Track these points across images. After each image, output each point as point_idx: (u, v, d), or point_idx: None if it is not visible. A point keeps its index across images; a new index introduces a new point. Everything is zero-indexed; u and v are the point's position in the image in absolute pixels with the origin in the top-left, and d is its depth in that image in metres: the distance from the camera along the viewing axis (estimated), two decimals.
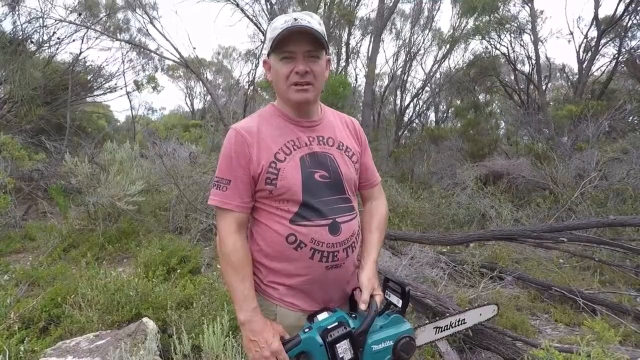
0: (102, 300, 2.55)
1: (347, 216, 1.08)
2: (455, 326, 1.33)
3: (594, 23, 9.35)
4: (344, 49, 11.09)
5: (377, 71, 11.43)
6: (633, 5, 8.48)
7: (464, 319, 1.35)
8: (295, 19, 1.00)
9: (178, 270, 3.39)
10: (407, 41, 11.64)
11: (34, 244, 4.57)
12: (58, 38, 8.50)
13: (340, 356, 0.96)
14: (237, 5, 8.12)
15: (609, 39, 9.51)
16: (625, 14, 8.67)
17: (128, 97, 11.30)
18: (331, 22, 9.10)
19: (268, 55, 1.08)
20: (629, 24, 9.01)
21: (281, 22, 1.01)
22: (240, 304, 1.02)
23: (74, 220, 4.93)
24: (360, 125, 1.28)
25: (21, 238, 4.76)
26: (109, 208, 4.79)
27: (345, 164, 1.11)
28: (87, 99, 10.74)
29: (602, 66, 10.39)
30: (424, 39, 11.41)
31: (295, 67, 1.02)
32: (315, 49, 1.03)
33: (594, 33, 9.49)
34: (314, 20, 1.02)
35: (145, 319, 2.28)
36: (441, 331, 1.30)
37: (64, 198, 5.33)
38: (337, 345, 0.97)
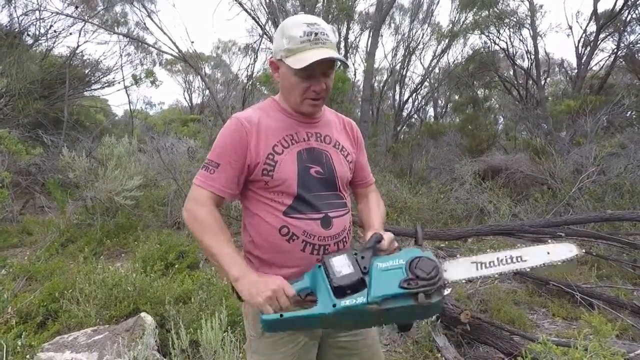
0: (100, 295, 2.55)
1: (339, 211, 1.10)
2: (505, 263, 1.02)
3: (593, 17, 9.31)
4: (342, 44, 11.01)
5: (376, 66, 11.37)
6: (632, 0, 8.44)
7: (520, 256, 1.02)
8: (316, 35, 0.97)
9: (176, 266, 3.39)
10: (406, 36, 11.56)
11: (32, 239, 4.56)
12: (55, 31, 8.43)
13: (338, 270, 0.88)
14: None
15: (607, 34, 9.49)
16: (625, 8, 8.63)
17: (126, 91, 11.22)
18: (330, 17, 9.01)
19: (279, 58, 1.03)
20: (627, 19, 8.98)
21: (299, 33, 0.97)
22: (230, 262, 0.96)
23: (71, 215, 4.92)
24: (357, 125, 1.28)
25: (18, 232, 4.75)
26: (107, 203, 4.77)
27: (340, 162, 1.13)
28: (85, 93, 10.67)
29: (600, 61, 10.39)
30: (422, 34, 11.34)
31: (312, 85, 1.02)
32: (332, 67, 1.04)
33: (592, 28, 9.47)
34: (330, 33, 1.00)
35: (143, 314, 2.28)
36: (485, 267, 1.01)
37: (61, 192, 5.30)
38: (334, 259, 0.90)
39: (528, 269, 1.02)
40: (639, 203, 5.02)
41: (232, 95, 14.76)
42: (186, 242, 4.02)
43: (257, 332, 1.08)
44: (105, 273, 2.78)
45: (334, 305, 0.84)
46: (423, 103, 12.92)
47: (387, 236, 1.05)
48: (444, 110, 14.37)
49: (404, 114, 12.11)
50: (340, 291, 0.85)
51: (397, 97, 12.29)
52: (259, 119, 1.07)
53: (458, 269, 0.99)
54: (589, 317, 1.80)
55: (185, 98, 22.68)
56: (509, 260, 1.01)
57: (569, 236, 3.47)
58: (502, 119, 12.78)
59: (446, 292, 0.87)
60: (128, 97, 12.60)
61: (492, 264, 1.01)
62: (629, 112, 9.24)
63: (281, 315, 0.89)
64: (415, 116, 13.26)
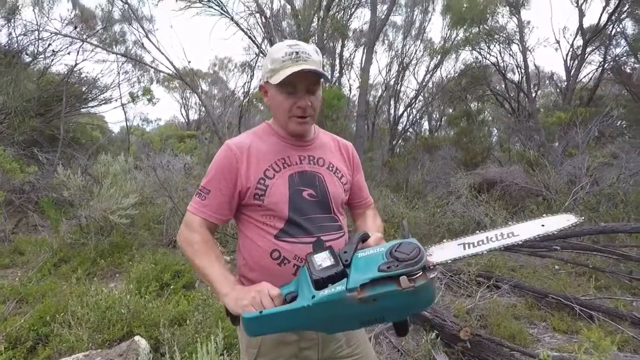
0: (93, 318, 2.49)
1: (334, 234, 1.09)
2: (495, 240, 0.96)
3: (579, 32, 9.59)
4: (337, 61, 11.22)
5: (370, 82, 11.55)
6: (616, 15, 8.72)
7: (512, 232, 0.97)
8: (297, 53, 1.01)
9: (171, 286, 3.33)
10: (399, 52, 11.81)
11: (24, 259, 4.47)
12: (53, 50, 8.50)
13: (318, 264, 0.87)
14: (232, 19, 8.18)
15: (594, 47, 9.75)
16: (609, 23, 8.91)
17: (123, 108, 11.25)
18: (325, 35, 9.21)
19: (266, 81, 1.07)
20: (612, 33, 9.26)
21: (281, 54, 1.01)
22: (221, 279, 0.98)
23: (65, 234, 4.84)
24: (353, 141, 1.30)
25: (10, 252, 4.66)
26: (102, 221, 4.72)
27: (334, 184, 1.13)
28: (82, 110, 10.67)
29: (589, 73, 10.65)
30: (416, 50, 11.60)
31: (297, 102, 1.04)
32: (316, 83, 1.05)
33: (579, 42, 9.75)
34: (313, 52, 1.03)
35: (137, 338, 2.24)
36: (473, 247, 0.95)
37: (55, 211, 5.24)
38: (316, 256, 0.89)
39: (521, 242, 0.97)
40: (632, 212, 5.05)
41: (228, 112, 14.86)
42: (182, 261, 3.97)
43: (250, 357, 1.07)
44: (99, 295, 2.73)
45: (313, 297, 0.82)
46: (418, 117, 13.08)
47: (376, 236, 1.00)
48: (438, 123, 14.54)
49: (399, 128, 12.25)
50: (320, 283, 0.83)
51: (392, 111, 12.46)
52: (250, 143, 1.08)
53: (444, 251, 0.95)
54: (588, 333, 1.79)
55: (182, 114, 22.78)
56: (499, 237, 0.96)
57: (564, 249, 3.49)
58: (495, 132, 12.96)
59: (432, 275, 0.80)
60: (125, 114, 12.51)
61: (480, 242, 0.96)
62: (619, 122, 9.41)
63: (260, 312, 0.87)
64: (411, 130, 13.40)
